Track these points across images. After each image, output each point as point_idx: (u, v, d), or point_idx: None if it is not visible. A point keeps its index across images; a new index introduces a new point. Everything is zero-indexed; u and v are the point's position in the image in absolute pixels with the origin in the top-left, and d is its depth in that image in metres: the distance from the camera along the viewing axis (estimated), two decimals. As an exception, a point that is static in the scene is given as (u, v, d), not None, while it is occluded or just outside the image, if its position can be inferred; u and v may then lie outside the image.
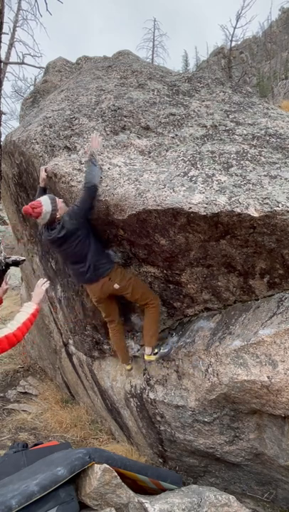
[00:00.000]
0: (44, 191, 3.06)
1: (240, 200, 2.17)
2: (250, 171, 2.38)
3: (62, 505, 1.63)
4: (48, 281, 2.59)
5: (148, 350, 2.94)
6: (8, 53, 12.90)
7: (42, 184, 3.04)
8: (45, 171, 3.00)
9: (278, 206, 2.07)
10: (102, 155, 2.91)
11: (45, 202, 2.65)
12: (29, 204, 2.65)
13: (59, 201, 2.72)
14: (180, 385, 2.89)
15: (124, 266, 3.04)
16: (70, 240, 2.68)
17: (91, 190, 2.60)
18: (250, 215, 2.11)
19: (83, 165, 2.88)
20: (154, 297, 2.93)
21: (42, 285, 2.51)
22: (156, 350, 2.94)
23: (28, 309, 2.29)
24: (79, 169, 2.87)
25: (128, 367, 3.34)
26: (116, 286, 2.82)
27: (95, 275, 2.80)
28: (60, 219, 2.65)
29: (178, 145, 2.88)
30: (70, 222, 2.62)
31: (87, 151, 2.88)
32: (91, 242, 2.74)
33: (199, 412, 2.74)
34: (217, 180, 2.36)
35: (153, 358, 2.93)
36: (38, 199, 2.69)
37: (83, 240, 2.70)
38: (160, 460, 3.49)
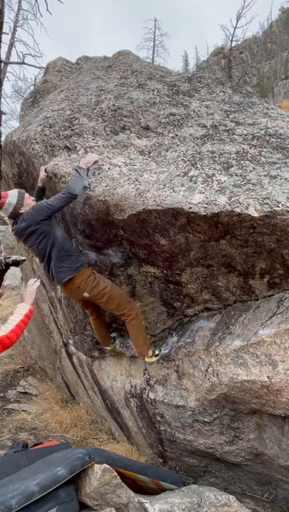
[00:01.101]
0: (42, 191, 3.06)
1: (240, 200, 2.17)
2: (250, 171, 2.38)
3: (62, 505, 1.64)
4: (39, 280, 2.61)
5: (149, 352, 2.92)
6: (9, 53, 12.89)
7: (40, 184, 3.04)
8: (45, 171, 3.00)
9: (278, 206, 2.07)
10: (102, 155, 2.91)
11: (11, 194, 2.68)
12: None
13: (28, 198, 2.72)
14: (180, 385, 2.89)
15: (124, 266, 3.04)
16: (33, 237, 2.66)
17: (70, 199, 2.58)
18: (250, 215, 2.11)
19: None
20: (131, 308, 2.84)
21: (33, 284, 2.53)
22: (156, 352, 2.92)
23: (22, 310, 2.30)
24: (79, 169, 2.87)
25: (109, 348, 3.41)
26: (85, 294, 2.75)
27: (57, 278, 2.76)
28: (25, 213, 2.66)
29: (178, 145, 2.88)
30: (32, 216, 2.60)
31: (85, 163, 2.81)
32: (55, 242, 2.67)
33: (199, 412, 2.74)
34: (217, 180, 2.36)
35: (154, 359, 2.91)
36: (8, 191, 2.73)
37: (46, 238, 2.65)
38: (160, 460, 3.49)
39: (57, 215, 2.95)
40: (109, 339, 3.44)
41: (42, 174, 3.01)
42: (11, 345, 2.15)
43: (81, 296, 2.79)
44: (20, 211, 2.66)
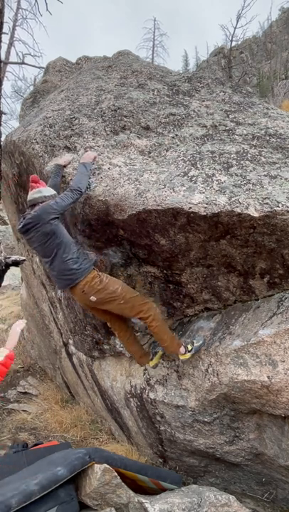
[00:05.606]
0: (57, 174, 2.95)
1: (240, 200, 2.17)
2: (250, 171, 2.38)
3: (62, 505, 1.64)
4: (25, 321, 2.51)
5: (180, 349, 2.68)
6: (8, 53, 12.90)
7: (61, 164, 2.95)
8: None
9: (278, 206, 2.07)
10: (102, 155, 2.91)
11: (48, 189, 2.64)
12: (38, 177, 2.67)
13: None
14: (180, 385, 2.89)
15: (124, 266, 3.04)
16: (39, 237, 2.53)
17: (78, 195, 2.53)
18: (250, 215, 2.11)
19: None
20: (148, 309, 2.64)
21: (17, 326, 2.42)
22: (189, 347, 2.66)
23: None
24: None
25: (151, 364, 2.99)
26: (92, 298, 2.56)
27: (63, 282, 2.61)
28: (33, 212, 2.55)
29: (178, 145, 2.88)
30: (40, 215, 2.48)
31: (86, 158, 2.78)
32: (61, 243, 2.54)
33: (199, 412, 2.74)
34: (217, 180, 2.36)
35: (188, 355, 2.65)
36: (44, 183, 2.71)
37: (53, 238, 2.52)
38: (160, 460, 3.49)
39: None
40: (144, 357, 3.01)
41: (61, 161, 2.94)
42: None
43: (87, 301, 2.60)
44: (39, 204, 2.56)
